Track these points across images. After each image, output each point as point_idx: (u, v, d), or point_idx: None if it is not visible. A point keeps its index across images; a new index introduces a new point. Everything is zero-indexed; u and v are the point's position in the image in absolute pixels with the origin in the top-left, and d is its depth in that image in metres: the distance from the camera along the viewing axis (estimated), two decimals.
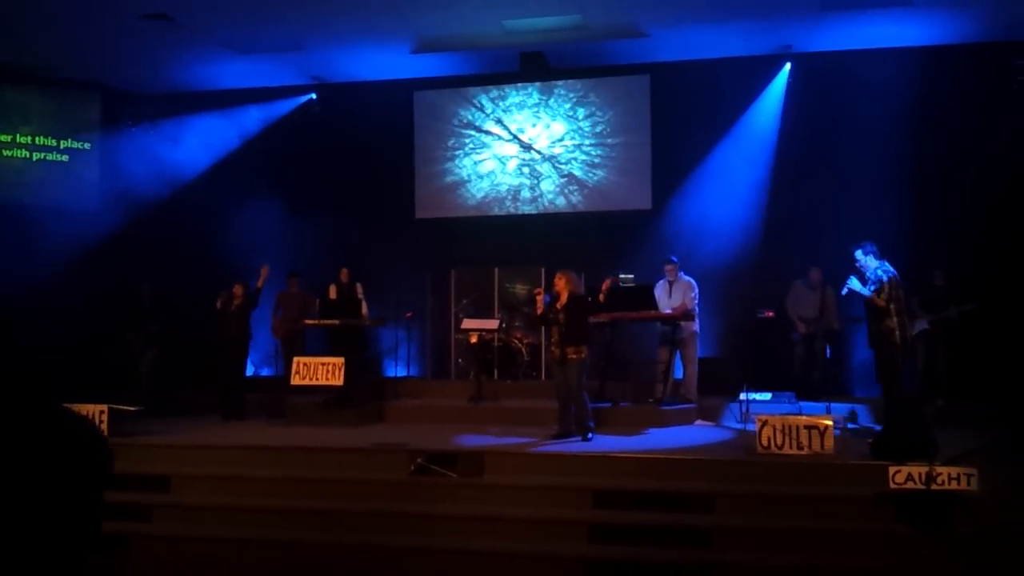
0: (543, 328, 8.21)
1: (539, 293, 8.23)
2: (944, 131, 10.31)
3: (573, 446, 7.52)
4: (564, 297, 7.98)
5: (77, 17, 9.73)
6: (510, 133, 12.09)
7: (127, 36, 10.31)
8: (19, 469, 1.16)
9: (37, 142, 11.87)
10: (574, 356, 7.86)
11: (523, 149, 12.05)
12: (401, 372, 11.65)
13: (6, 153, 11.68)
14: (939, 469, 5.79)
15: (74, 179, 12.01)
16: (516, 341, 10.82)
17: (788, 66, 11.02)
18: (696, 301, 9.39)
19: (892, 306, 7.55)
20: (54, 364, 10.12)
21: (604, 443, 7.63)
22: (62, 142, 11.97)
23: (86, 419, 1.28)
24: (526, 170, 12.05)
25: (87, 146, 12.13)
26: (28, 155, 11.80)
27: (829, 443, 6.69)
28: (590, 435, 7.83)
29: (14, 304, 10.54)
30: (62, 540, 1.18)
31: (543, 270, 11.23)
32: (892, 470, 5.88)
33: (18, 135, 11.76)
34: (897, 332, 7.54)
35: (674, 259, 9.56)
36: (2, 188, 11.56)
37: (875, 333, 7.71)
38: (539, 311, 8.14)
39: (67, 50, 10.85)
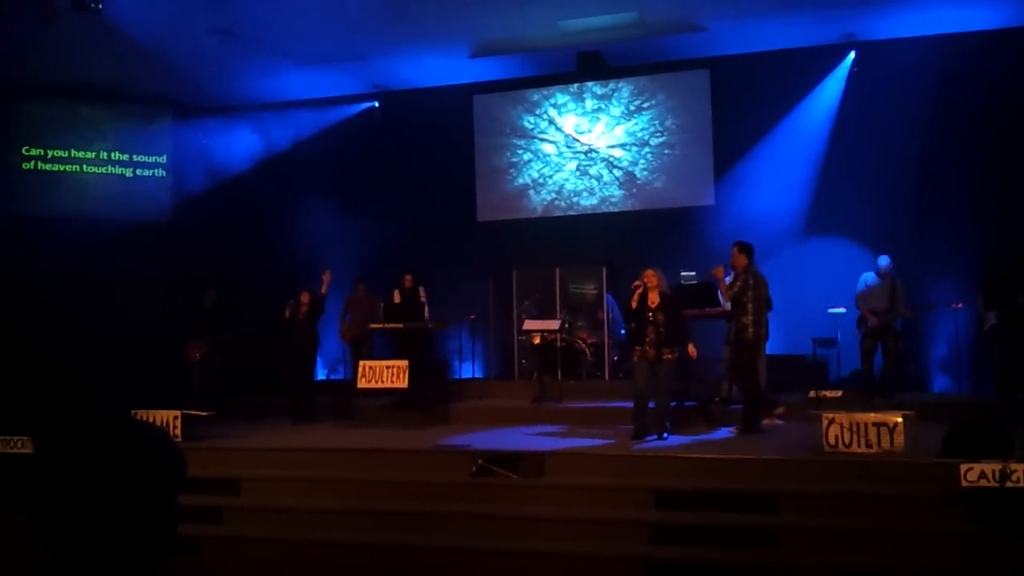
0: (640, 326, 7.90)
1: (638, 287, 7.84)
2: (1015, 119, 9.93)
3: (634, 446, 7.47)
4: (655, 296, 7.81)
5: (147, 35, 10.04)
6: (568, 135, 12.06)
7: (195, 52, 10.62)
8: (99, 479, 1.22)
9: (112, 157, 12.31)
10: (668, 356, 7.77)
11: (582, 150, 12.01)
12: (466, 374, 11.76)
13: (87, 169, 12.15)
14: (1014, 466, 5.57)
15: (147, 192, 12.42)
16: (580, 341, 10.77)
17: (852, 55, 10.74)
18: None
19: (750, 305, 7.89)
20: (125, 371, 10.53)
21: (667, 442, 7.58)
22: (135, 156, 12.40)
23: (162, 430, 1.36)
24: (586, 171, 12.00)
25: (160, 159, 12.54)
26: (105, 170, 12.25)
27: (899, 440, 6.48)
28: (666, 434, 7.76)
29: (93, 316, 10.96)
30: (140, 545, 1.24)
31: (604, 269, 11.18)
32: (964, 467, 5.67)
33: (100, 151, 12.22)
34: (751, 329, 7.92)
35: None
36: (78, 202, 12.02)
37: (735, 329, 8.14)
38: (634, 306, 7.85)
39: (138, 67, 11.21)
